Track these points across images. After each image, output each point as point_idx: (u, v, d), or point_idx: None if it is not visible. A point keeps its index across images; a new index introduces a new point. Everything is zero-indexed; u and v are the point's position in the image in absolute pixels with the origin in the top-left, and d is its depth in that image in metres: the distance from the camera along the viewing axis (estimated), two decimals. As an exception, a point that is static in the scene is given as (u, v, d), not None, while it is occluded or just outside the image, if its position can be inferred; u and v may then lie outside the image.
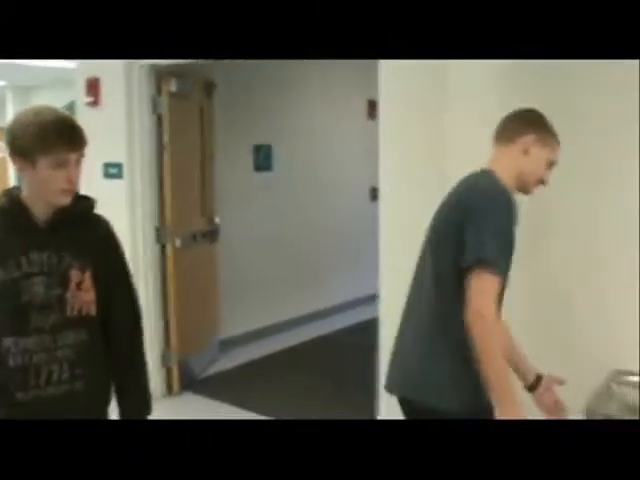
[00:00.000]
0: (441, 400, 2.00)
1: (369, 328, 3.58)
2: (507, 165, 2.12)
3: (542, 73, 2.75)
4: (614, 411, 2.40)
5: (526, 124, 2.15)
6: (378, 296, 3.24)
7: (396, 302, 2.90)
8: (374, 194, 5.23)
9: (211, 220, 4.88)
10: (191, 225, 4.62)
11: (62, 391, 1.89)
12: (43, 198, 1.86)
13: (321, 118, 6.24)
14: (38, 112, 1.84)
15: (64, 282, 1.88)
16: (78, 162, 1.85)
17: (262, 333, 5.68)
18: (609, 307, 2.78)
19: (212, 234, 4.88)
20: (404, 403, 2.13)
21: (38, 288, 1.85)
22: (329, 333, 5.95)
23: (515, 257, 2.04)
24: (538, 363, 2.42)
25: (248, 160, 5.59)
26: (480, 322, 1.91)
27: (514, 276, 2.07)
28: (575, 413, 2.30)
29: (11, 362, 1.85)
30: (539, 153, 2.13)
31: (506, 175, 2.09)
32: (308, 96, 6.07)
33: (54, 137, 1.79)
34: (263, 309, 5.74)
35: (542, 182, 2.18)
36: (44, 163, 1.79)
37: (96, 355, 1.96)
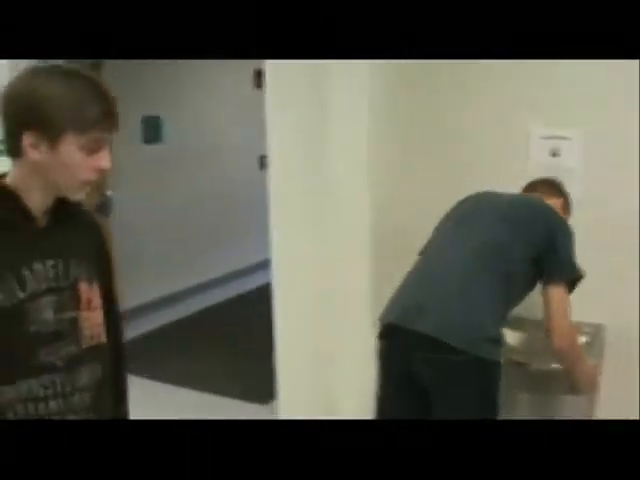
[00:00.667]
0: (491, 352, 2.18)
1: (263, 294, 3.71)
2: None
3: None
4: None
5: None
6: (270, 262, 3.37)
7: (288, 267, 3.07)
8: (263, 162, 5.33)
9: (102, 194, 4.86)
10: (82, 199, 4.56)
11: None
12: (49, 188, 1.43)
13: (209, 88, 6.27)
14: (68, 73, 1.41)
15: (74, 300, 1.46)
16: (110, 146, 1.44)
17: (158, 304, 5.74)
18: None
19: (104, 207, 4.86)
20: (429, 340, 2.18)
21: (47, 313, 1.41)
22: (225, 300, 6.09)
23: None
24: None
25: (137, 132, 5.58)
26: (568, 338, 2.25)
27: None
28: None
29: (11, 416, 1.38)
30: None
31: None
32: (197, 66, 6.07)
33: (96, 110, 1.37)
34: (158, 280, 5.79)
35: None
36: (73, 144, 1.37)
37: (108, 398, 1.58)
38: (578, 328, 2.40)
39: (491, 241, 2.31)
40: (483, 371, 2.19)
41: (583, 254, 2.45)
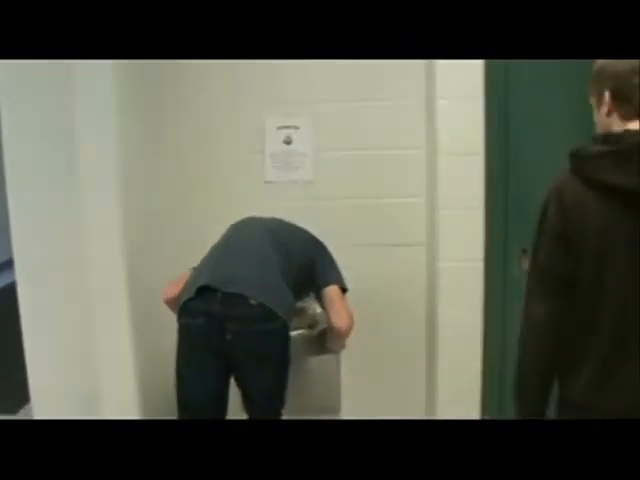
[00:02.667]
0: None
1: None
2: None
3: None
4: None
5: None
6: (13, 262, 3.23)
7: (32, 267, 2.97)
8: None
9: None
10: None
11: None
12: None
13: None
14: None
15: None
16: None
17: None
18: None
19: None
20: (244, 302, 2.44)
21: None
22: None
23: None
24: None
25: None
26: (351, 322, 2.66)
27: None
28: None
29: None
30: None
31: None
32: None
33: None
34: None
35: None
36: None
37: None
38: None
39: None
40: (287, 335, 2.48)
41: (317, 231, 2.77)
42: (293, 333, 2.54)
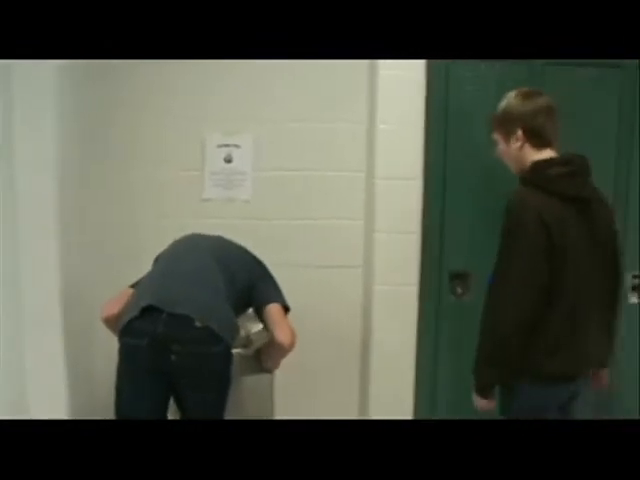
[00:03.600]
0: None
1: None
2: None
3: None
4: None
5: None
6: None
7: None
8: None
9: None
10: None
11: None
12: None
13: None
14: None
15: None
16: None
17: None
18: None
19: None
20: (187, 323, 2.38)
21: None
22: None
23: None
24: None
25: None
26: (294, 338, 2.64)
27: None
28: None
29: None
30: None
31: None
32: None
33: None
34: None
35: None
36: None
37: None
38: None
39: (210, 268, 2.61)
40: (229, 357, 2.47)
41: (254, 250, 2.77)
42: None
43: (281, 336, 2.60)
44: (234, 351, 2.52)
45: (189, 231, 2.81)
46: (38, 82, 2.73)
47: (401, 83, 3.03)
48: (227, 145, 3.12)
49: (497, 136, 2.39)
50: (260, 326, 2.74)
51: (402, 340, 3.11)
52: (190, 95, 3.19)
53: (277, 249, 3.18)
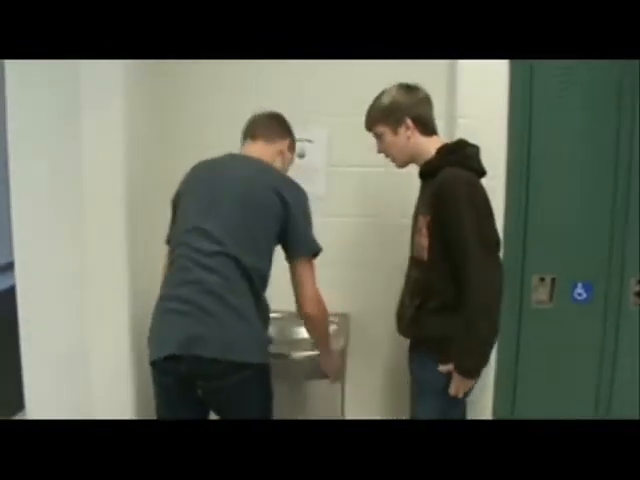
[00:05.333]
0: (266, 353, 2.27)
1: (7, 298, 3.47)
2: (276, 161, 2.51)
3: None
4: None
5: (286, 129, 2.57)
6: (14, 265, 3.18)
7: (33, 270, 2.91)
8: None
9: None
10: None
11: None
12: None
13: None
14: None
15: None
16: None
17: None
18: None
19: None
20: (213, 363, 2.16)
21: None
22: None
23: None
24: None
25: None
26: (317, 305, 2.36)
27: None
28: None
29: None
30: (289, 156, 2.57)
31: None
32: None
33: None
34: None
35: None
36: None
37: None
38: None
39: (235, 235, 2.26)
40: (263, 374, 2.27)
41: (326, 248, 2.65)
42: (297, 356, 2.42)
43: (302, 303, 2.34)
44: (300, 355, 2.43)
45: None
46: (106, 81, 2.72)
47: (483, 75, 2.87)
48: (300, 140, 3.04)
49: (381, 129, 2.44)
50: None
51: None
52: (262, 91, 3.13)
53: (349, 247, 3.09)
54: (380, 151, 2.52)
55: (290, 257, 2.35)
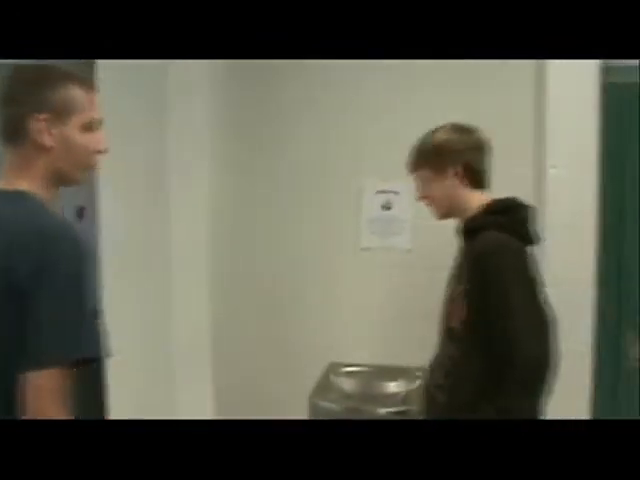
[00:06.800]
0: None
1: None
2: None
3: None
4: (333, 400, 2.71)
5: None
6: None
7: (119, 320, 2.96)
8: (81, 213, 5.02)
9: None
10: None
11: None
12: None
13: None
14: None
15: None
16: None
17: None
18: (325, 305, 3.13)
19: None
20: None
21: None
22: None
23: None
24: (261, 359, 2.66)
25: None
26: None
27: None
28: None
29: None
30: None
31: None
32: None
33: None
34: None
35: None
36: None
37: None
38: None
39: None
40: None
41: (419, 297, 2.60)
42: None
43: None
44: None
45: (347, 281, 2.70)
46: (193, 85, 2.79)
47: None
48: (385, 192, 3.03)
49: (425, 173, 2.17)
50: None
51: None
52: (347, 142, 3.13)
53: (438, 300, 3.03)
54: (420, 198, 2.25)
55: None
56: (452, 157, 2.11)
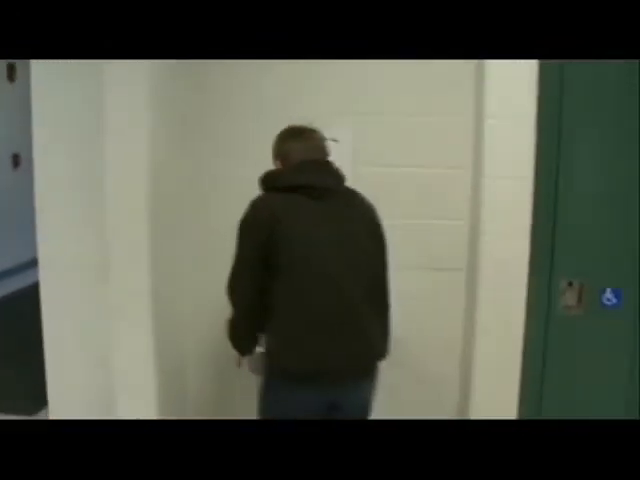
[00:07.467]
0: None
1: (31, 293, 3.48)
2: None
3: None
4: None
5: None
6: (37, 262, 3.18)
7: (56, 266, 2.91)
8: (16, 161, 5.00)
9: None
10: None
11: None
12: None
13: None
14: None
15: None
16: None
17: None
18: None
19: None
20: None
21: None
22: None
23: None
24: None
25: None
26: None
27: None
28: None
29: None
30: None
31: None
32: None
33: None
34: None
35: None
36: None
37: None
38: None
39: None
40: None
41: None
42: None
43: None
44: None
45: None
46: (130, 82, 2.71)
47: (512, 74, 2.80)
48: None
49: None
50: None
51: (506, 349, 2.91)
52: (286, 92, 3.11)
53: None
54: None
55: None
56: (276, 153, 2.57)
